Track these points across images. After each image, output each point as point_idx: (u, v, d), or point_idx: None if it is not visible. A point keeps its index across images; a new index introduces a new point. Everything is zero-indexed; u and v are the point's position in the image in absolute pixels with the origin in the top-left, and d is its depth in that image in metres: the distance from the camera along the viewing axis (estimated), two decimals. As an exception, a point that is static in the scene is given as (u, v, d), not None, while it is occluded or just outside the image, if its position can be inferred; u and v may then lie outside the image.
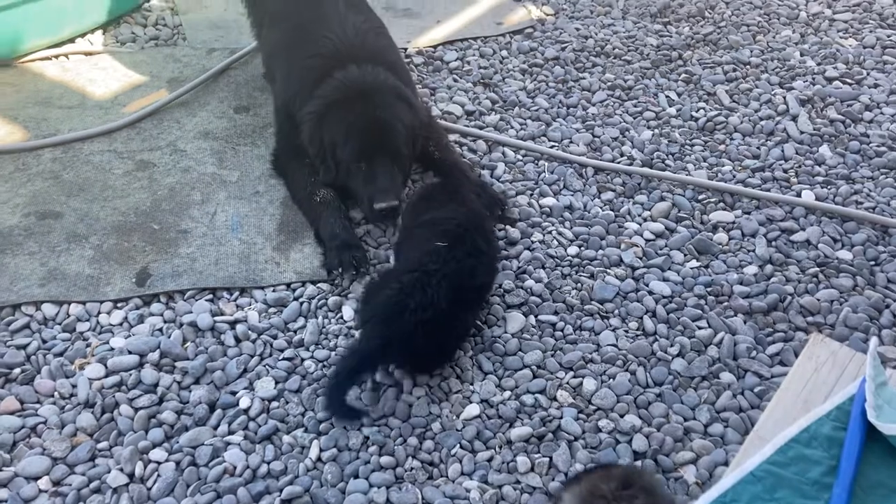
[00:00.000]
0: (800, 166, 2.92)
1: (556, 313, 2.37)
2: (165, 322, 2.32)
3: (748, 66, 3.47)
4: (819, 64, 3.46)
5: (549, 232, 2.65)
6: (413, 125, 2.63)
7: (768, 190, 2.81)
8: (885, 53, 3.47)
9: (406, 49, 3.51)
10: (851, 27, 3.70)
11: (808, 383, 1.52)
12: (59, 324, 2.31)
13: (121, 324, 2.32)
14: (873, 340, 1.49)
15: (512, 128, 3.13)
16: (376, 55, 2.72)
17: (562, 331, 2.33)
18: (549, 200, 2.78)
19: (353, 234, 2.58)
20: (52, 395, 2.11)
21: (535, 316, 2.37)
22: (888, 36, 3.57)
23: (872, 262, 2.52)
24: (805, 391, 1.51)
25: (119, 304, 2.37)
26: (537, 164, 2.94)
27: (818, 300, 2.39)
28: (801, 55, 3.53)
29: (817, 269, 2.49)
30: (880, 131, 3.04)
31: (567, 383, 2.18)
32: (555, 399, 2.14)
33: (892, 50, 3.48)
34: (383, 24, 2.99)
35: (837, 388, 1.50)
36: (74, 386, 2.12)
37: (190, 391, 2.14)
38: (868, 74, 3.36)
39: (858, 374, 1.51)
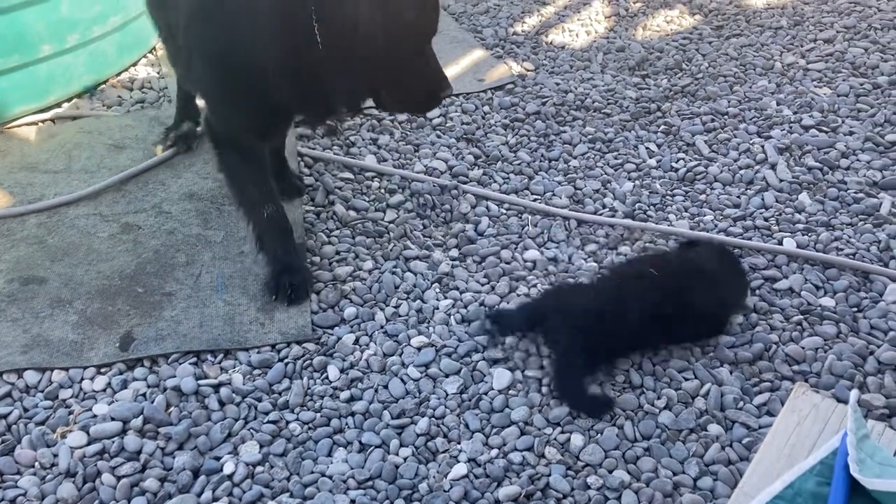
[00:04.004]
0: (780, 214, 2.95)
1: (541, 368, 2.37)
2: (149, 387, 2.30)
3: (726, 117, 3.53)
4: (795, 113, 3.52)
5: (535, 286, 2.66)
6: None
7: (750, 238, 2.83)
8: (858, 101, 3.54)
9: (389, 107, 3.56)
10: (825, 76, 3.77)
11: (791, 437, 1.52)
12: (42, 391, 2.28)
13: (104, 390, 2.30)
14: (853, 393, 1.49)
15: (495, 182, 3.16)
16: None
17: (548, 385, 2.32)
18: (532, 254, 2.79)
19: (296, 256, 2.63)
20: (33, 466, 2.08)
21: (522, 371, 2.36)
22: (861, 84, 3.65)
23: (855, 309, 2.53)
24: (788, 445, 1.50)
25: (102, 370, 2.35)
26: (521, 218, 2.97)
27: (803, 348, 2.39)
28: (778, 104, 3.59)
29: (801, 316, 2.50)
30: (857, 178, 3.09)
31: (555, 439, 2.16)
32: (543, 456, 2.12)
33: (866, 98, 3.55)
34: None
35: (821, 441, 1.50)
36: (56, 455, 2.09)
37: (174, 457, 2.11)
38: (843, 122, 3.42)
39: (841, 426, 1.51)
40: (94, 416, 2.21)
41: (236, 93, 2.43)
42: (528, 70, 3.93)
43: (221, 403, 2.25)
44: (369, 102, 2.45)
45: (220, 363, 2.38)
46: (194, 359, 2.39)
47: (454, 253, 2.81)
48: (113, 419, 2.19)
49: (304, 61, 2.22)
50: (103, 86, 3.73)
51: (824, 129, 3.39)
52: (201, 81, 2.53)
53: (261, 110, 2.46)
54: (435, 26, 2.32)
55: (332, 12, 2.12)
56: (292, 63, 2.24)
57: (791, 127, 3.42)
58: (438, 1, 2.32)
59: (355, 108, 2.46)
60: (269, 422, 2.20)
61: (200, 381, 2.30)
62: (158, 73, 3.87)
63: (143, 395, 2.28)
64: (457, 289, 2.66)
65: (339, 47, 2.16)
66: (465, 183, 3.13)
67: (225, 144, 2.59)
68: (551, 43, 4.17)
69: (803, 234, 2.84)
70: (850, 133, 3.35)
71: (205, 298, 2.58)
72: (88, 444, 2.13)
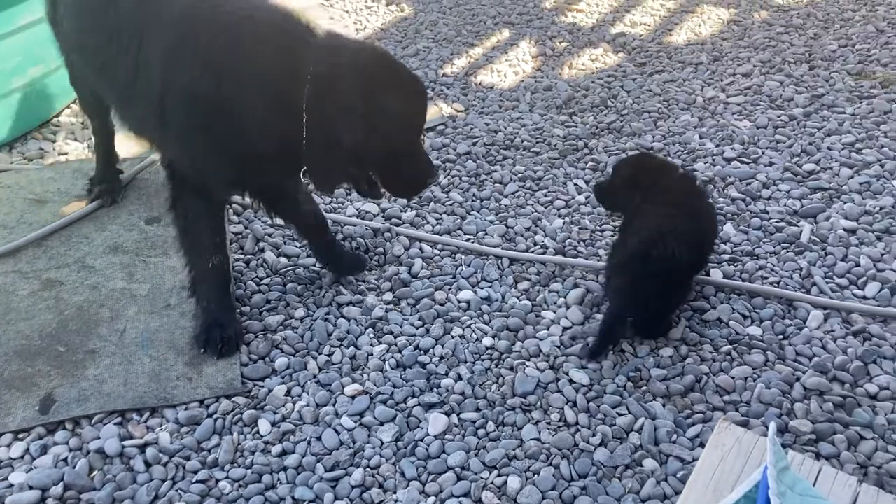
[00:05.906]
0: (706, 245, 3.01)
1: (477, 410, 2.35)
2: (71, 451, 2.21)
3: (651, 151, 3.61)
4: (717, 145, 3.62)
5: (469, 326, 2.65)
6: None
7: (678, 270, 2.88)
8: (776, 133, 3.67)
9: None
10: (745, 109, 3.90)
11: (715, 473, 1.53)
12: (-46, 462, 2.18)
13: (22, 457, 2.20)
14: (772, 426, 1.52)
15: (428, 223, 3.17)
16: None
17: (484, 428, 2.30)
18: (466, 294, 2.79)
19: (227, 310, 2.58)
20: (-57, 544, 1.97)
21: (458, 415, 2.34)
22: (778, 116, 3.78)
23: (781, 336, 2.59)
24: (713, 482, 1.51)
25: (20, 436, 2.25)
26: (454, 258, 2.97)
27: (733, 378, 2.43)
28: (701, 138, 3.70)
29: (730, 346, 2.55)
30: (778, 207, 3.18)
31: (492, 483, 2.14)
32: (480, 501, 2.09)
33: (783, 129, 3.68)
34: None
35: (744, 475, 1.51)
36: (-32, 531, 1.99)
37: (96, 525, 2.03)
38: (763, 153, 3.53)
39: (763, 458, 1.53)
40: (11, 485, 2.10)
41: (223, 154, 2.38)
42: (458, 111, 3.97)
43: (147, 464, 2.18)
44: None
45: (146, 422, 2.30)
46: (119, 419, 2.31)
47: (388, 296, 2.80)
48: (31, 488, 2.09)
49: (289, 143, 2.25)
50: (24, 138, 3.64)
51: (745, 160, 3.49)
52: (181, 137, 2.41)
53: (245, 170, 2.44)
54: (423, 122, 2.40)
55: (320, 116, 2.18)
56: (278, 145, 2.28)
57: (714, 159, 3.52)
58: (427, 99, 2.39)
59: (328, 192, 2.50)
60: (197, 481, 2.13)
61: (125, 442, 2.22)
62: (83, 123, 3.78)
63: (65, 459, 2.19)
64: (391, 333, 2.64)
65: (322, 142, 2.21)
66: (398, 225, 3.13)
67: (190, 190, 2.50)
68: (480, 84, 4.23)
69: (729, 264, 2.90)
70: (770, 164, 3.46)
71: (130, 355, 2.50)
72: (4, 516, 2.03)
